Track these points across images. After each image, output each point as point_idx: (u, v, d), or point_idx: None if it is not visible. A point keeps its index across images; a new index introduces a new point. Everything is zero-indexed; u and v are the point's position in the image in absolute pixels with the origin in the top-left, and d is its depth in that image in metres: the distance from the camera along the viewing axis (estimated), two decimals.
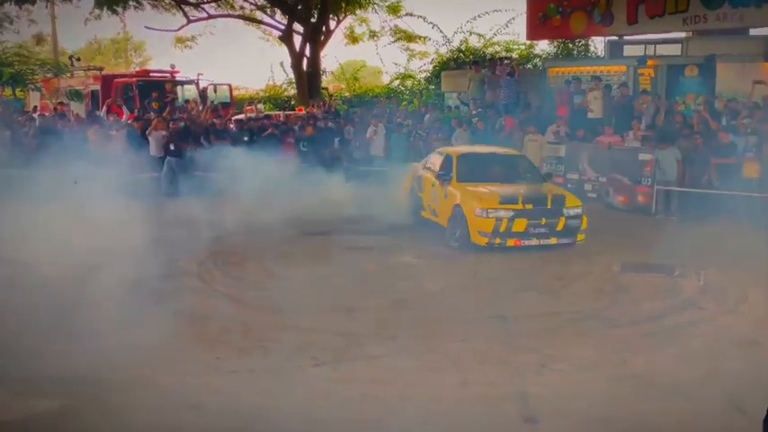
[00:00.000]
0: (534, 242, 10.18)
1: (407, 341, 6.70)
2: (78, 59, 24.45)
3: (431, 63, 24.03)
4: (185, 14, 24.98)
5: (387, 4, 25.61)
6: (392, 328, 7.04)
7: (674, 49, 18.12)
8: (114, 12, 22.34)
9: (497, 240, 10.10)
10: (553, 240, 10.25)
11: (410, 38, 25.95)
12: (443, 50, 23.39)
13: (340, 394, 5.57)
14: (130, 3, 22.79)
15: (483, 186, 10.81)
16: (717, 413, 5.30)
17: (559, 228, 10.25)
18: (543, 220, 10.18)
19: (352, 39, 27.04)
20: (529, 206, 10.23)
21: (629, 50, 18.87)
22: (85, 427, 5.10)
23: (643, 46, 18.52)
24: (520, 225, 10.08)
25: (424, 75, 24.23)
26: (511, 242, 10.14)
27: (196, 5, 25.21)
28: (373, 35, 26.84)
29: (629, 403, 5.43)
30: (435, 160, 12.24)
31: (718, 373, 5.95)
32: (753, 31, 17.55)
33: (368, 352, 6.46)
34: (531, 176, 11.69)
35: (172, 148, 15.43)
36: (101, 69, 23.81)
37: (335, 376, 5.93)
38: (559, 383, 5.77)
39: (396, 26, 26.18)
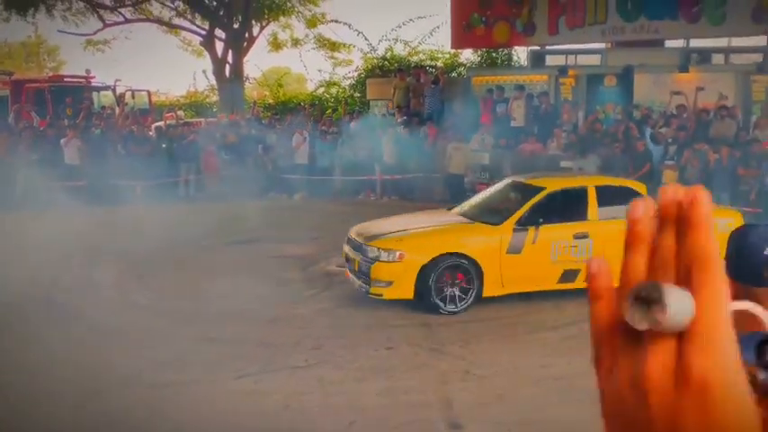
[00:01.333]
0: None
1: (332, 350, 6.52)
2: None
3: (356, 71, 24.00)
4: (101, 18, 24.18)
5: (310, 14, 25.51)
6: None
7: (594, 60, 18.56)
8: (23, 15, 21.40)
9: None
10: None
11: (334, 46, 25.88)
12: (368, 57, 23.37)
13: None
14: (41, 7, 21.89)
15: None
16: None
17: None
18: None
19: (276, 45, 26.78)
20: None
21: (550, 60, 19.24)
22: None
23: (564, 56, 18.90)
24: None
25: (348, 82, 24.15)
26: None
27: (112, 9, 24.45)
28: (296, 42, 26.67)
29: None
30: None
31: None
32: (668, 43, 18.13)
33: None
34: None
35: None
36: (10, 74, 22.83)
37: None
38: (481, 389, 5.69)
39: (319, 34, 26.11)
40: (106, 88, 21.76)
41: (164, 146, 16.35)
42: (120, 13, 24.58)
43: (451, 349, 6.57)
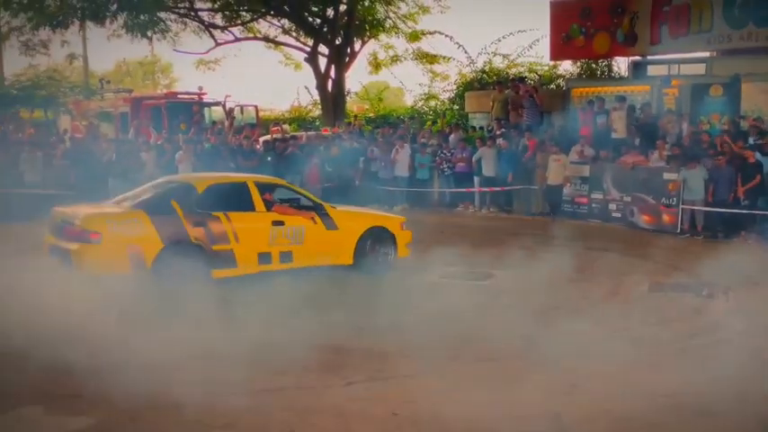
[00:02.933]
0: None
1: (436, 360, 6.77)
2: (108, 82, 24.96)
3: (454, 84, 24.22)
4: (213, 37, 25.41)
5: (409, 31, 25.94)
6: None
7: (699, 69, 18.16)
8: (145, 36, 22.74)
9: None
10: None
11: (432, 59, 26.22)
12: (467, 71, 23.57)
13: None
14: (158, 28, 23.18)
15: None
16: None
17: None
18: None
19: (376, 65, 27.34)
20: None
21: (652, 70, 18.94)
22: None
23: (667, 66, 18.57)
24: None
25: (447, 95, 24.41)
26: None
27: (223, 28, 25.63)
28: (395, 60, 27.15)
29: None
30: None
31: (749, 395, 5.94)
32: None
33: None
34: None
35: None
36: (130, 92, 24.25)
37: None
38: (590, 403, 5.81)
39: (419, 48, 26.50)
40: (216, 104, 22.83)
41: (269, 159, 17.03)
42: (230, 32, 25.74)
43: (556, 361, 6.70)
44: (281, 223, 9.62)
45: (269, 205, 9.74)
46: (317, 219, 10.02)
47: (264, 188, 9.89)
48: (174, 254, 8.65)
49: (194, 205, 9.13)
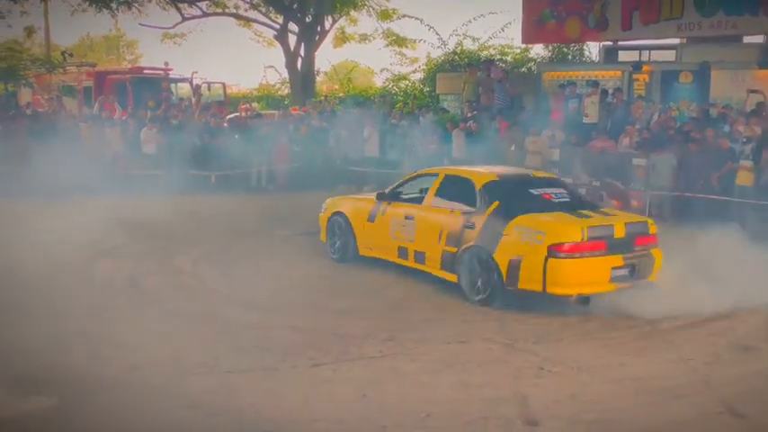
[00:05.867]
0: None
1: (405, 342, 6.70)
2: (71, 55, 24.35)
3: (425, 65, 24.05)
4: (180, 11, 24.89)
5: (380, 9, 25.72)
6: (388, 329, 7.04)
7: (669, 56, 18.26)
8: (109, 8, 22.17)
9: None
10: None
11: (401, 42, 26.05)
12: (438, 53, 23.43)
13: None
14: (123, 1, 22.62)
15: None
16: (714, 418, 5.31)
17: None
18: None
19: (341, 39, 27.09)
20: None
21: (623, 56, 18.99)
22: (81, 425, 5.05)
23: (637, 52, 18.64)
24: None
25: (418, 76, 24.25)
26: None
27: (190, 3, 25.13)
28: (364, 38, 26.94)
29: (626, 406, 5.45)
30: None
31: (714, 378, 5.97)
32: (746, 39, 17.70)
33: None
34: None
35: None
36: (94, 65, 23.71)
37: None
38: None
39: (388, 29, 26.30)
40: (183, 80, 22.40)
41: (236, 137, 16.78)
42: (197, 6, 25.26)
43: (524, 345, 6.67)
44: None
45: None
46: None
47: None
48: None
49: None
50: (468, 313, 7.70)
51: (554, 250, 7.46)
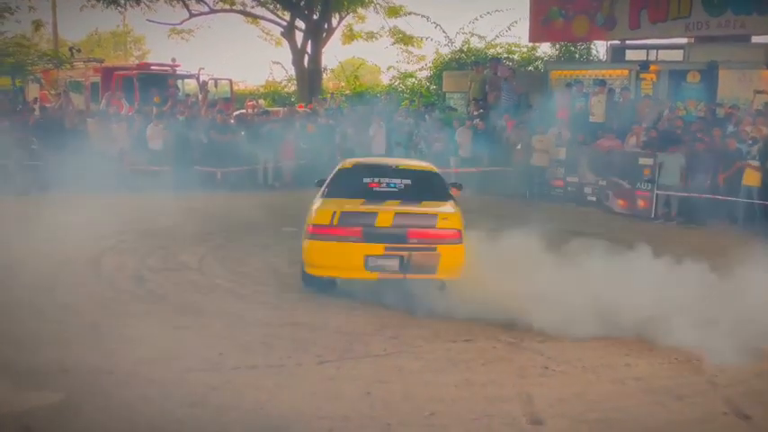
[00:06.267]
0: None
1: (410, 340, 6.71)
2: (79, 51, 24.35)
3: (431, 63, 24.04)
4: (188, 8, 24.94)
5: (388, 5, 25.70)
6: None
7: (676, 55, 18.22)
8: (117, 4, 22.21)
9: None
10: None
11: (407, 40, 26.03)
12: (445, 51, 23.41)
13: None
14: None
15: None
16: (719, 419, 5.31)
17: None
18: None
19: (349, 37, 27.08)
20: None
21: (630, 55, 18.96)
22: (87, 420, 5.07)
23: (645, 51, 18.60)
24: None
25: (424, 74, 24.24)
26: None
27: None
28: (370, 36, 26.93)
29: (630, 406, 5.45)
30: None
31: (719, 379, 5.96)
32: (755, 39, 17.63)
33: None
34: None
35: None
36: (101, 61, 23.72)
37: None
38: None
39: (395, 27, 26.28)
40: (190, 77, 22.43)
41: (242, 133, 16.81)
42: (205, 3, 25.28)
43: (529, 344, 6.67)
44: None
45: None
46: None
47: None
48: None
49: None
50: (473, 311, 7.68)
51: (309, 232, 7.70)
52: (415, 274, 7.56)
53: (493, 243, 8.33)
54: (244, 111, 19.26)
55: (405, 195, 8.20)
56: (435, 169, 9.15)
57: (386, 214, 7.62)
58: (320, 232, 7.60)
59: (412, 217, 7.73)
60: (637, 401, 5.52)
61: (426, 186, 8.52)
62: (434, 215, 7.79)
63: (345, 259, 7.56)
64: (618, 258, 7.90)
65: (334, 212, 7.61)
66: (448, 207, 8.08)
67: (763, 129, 12.90)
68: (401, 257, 7.48)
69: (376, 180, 8.42)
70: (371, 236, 7.51)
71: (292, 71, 25.70)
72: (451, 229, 7.63)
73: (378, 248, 7.50)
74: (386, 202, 7.98)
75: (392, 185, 8.37)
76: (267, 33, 27.94)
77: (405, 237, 7.52)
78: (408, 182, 8.46)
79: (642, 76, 17.52)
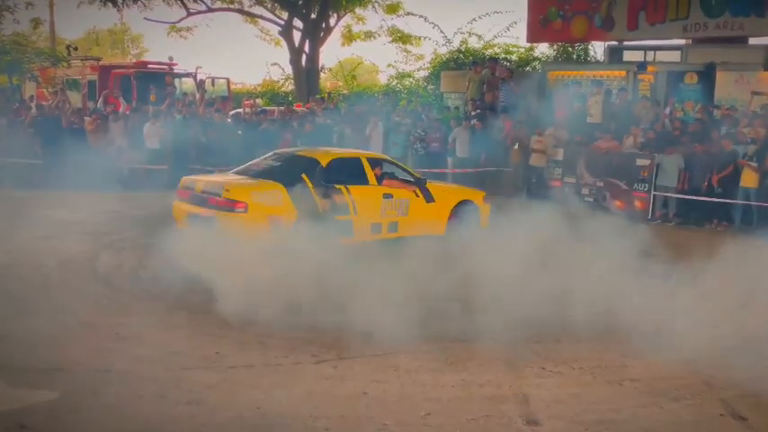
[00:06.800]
0: None
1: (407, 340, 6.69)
2: (76, 49, 24.30)
3: (429, 63, 24.04)
4: (185, 7, 24.90)
5: (386, 3, 25.67)
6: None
7: (674, 56, 18.23)
8: (114, 2, 22.18)
9: None
10: None
11: (406, 39, 26.02)
12: (443, 50, 23.40)
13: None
14: None
15: None
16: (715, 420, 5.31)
17: None
18: None
19: (349, 38, 27.06)
20: None
21: (628, 56, 18.97)
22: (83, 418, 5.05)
23: (642, 52, 18.61)
24: None
25: (422, 74, 24.23)
26: None
27: None
28: (369, 35, 26.92)
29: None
30: None
31: (717, 380, 5.96)
32: (752, 41, 17.66)
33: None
34: None
35: None
36: (98, 59, 23.69)
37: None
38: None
39: (393, 26, 26.28)
40: (188, 75, 22.41)
41: (239, 132, 16.78)
42: (202, 1, 25.28)
43: (526, 345, 6.67)
44: (390, 196, 10.22)
45: (379, 179, 10.28)
46: (419, 192, 10.58)
47: (374, 163, 10.44)
48: (305, 224, 8.83)
49: (320, 179, 9.62)
50: (470, 311, 7.67)
51: None
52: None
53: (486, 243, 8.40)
54: (241, 110, 19.22)
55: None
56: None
57: (200, 183, 9.51)
58: (179, 195, 9.87)
59: (210, 186, 9.34)
60: (633, 402, 5.53)
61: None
62: (220, 184, 9.23)
63: (180, 215, 9.51)
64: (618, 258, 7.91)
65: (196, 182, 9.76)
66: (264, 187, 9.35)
67: (761, 130, 12.92)
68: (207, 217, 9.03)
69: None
70: (193, 199, 9.41)
71: (290, 70, 25.68)
72: (227, 199, 9.00)
73: (196, 209, 9.23)
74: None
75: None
76: (266, 33, 27.94)
77: (207, 202, 9.16)
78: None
79: (640, 77, 17.52)
